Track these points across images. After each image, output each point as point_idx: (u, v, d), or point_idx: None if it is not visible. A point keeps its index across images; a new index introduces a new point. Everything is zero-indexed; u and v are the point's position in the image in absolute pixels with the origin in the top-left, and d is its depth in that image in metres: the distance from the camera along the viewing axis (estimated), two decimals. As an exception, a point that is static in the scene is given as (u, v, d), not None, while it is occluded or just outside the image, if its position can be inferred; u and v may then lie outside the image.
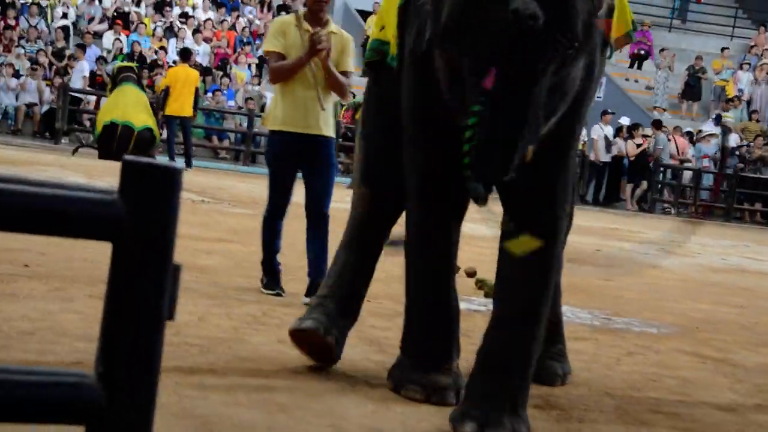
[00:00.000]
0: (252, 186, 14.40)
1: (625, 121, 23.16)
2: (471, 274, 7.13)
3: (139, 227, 1.95)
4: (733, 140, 24.20)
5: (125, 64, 18.81)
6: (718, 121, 24.64)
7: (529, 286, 4.15)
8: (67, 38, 22.67)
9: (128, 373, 1.95)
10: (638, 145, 22.51)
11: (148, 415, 1.96)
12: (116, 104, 17.06)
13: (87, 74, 21.20)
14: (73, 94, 20.67)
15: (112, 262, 1.97)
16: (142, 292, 1.96)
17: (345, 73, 6.37)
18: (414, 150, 4.44)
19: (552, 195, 4.20)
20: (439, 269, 4.53)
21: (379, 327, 5.79)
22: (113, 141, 16.73)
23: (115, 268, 1.97)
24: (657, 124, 23.24)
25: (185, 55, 18.75)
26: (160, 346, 1.98)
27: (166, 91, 17.73)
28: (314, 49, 6.08)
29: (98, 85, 20.99)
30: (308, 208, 6.39)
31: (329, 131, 6.42)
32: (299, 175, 6.55)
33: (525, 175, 3.83)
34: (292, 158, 6.41)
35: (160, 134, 17.77)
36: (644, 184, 22.81)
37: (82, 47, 21.59)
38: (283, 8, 24.75)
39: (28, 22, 22.71)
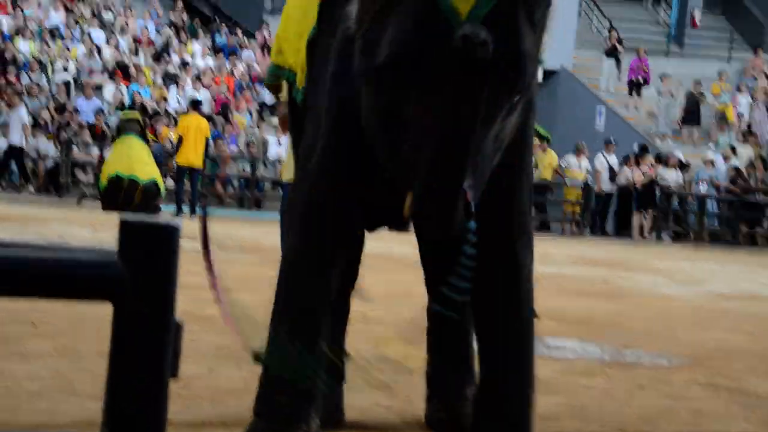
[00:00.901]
0: (257, 232, 14.40)
1: (633, 149, 23.13)
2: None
3: (139, 287, 1.95)
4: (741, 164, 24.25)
5: (130, 114, 18.82)
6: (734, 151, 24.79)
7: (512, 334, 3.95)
8: (68, 92, 22.77)
9: (134, 434, 1.94)
10: (645, 174, 22.43)
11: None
12: (121, 157, 17.11)
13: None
14: (76, 146, 20.72)
15: (114, 322, 1.97)
16: (144, 352, 1.96)
17: None
18: (317, 174, 3.99)
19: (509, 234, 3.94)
20: (308, 312, 4.06)
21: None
22: (119, 194, 16.79)
23: (117, 329, 1.98)
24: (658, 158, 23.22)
25: (196, 104, 18.79)
26: (165, 405, 1.98)
27: (180, 141, 17.77)
28: None
29: (98, 136, 20.99)
30: None
31: None
32: None
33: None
34: None
35: (165, 184, 17.81)
36: (651, 213, 22.77)
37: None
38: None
39: (30, 77, 22.80)
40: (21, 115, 19.79)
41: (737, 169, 23.48)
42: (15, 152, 19.57)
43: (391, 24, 3.32)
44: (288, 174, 6.17)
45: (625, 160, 22.97)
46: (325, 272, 3.99)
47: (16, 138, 19.51)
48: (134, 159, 17.15)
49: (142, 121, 18.76)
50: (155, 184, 17.19)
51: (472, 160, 3.27)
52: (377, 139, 3.62)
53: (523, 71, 3.31)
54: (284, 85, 4.50)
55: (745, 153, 24.83)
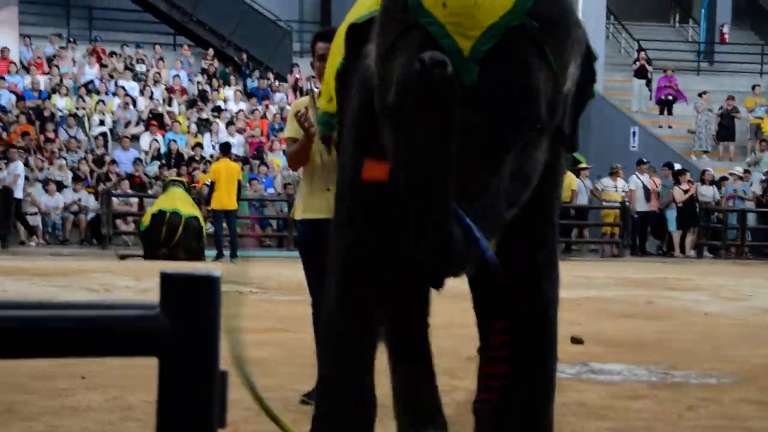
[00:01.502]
0: (297, 272, 14.36)
1: (675, 166, 23.05)
2: (577, 340, 7.08)
3: (182, 339, 1.96)
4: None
5: (175, 177, 19.26)
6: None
7: (534, 353, 3.88)
8: (105, 145, 22.96)
9: (186, 488, 1.95)
10: (685, 191, 22.28)
11: None
12: (165, 199, 17.89)
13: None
14: (115, 197, 20.87)
15: (160, 375, 1.98)
16: (191, 404, 1.97)
17: None
18: (348, 225, 4.01)
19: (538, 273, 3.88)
20: (354, 359, 4.00)
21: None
22: (162, 227, 17.23)
23: (163, 382, 1.99)
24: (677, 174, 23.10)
25: (226, 149, 18.94)
26: (215, 456, 1.99)
27: (211, 187, 17.97)
28: (305, 130, 5.65)
29: (137, 186, 21.15)
30: None
31: None
32: None
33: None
34: (319, 246, 5.44)
35: (206, 227, 18.00)
36: (693, 230, 22.62)
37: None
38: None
39: (68, 133, 23.01)
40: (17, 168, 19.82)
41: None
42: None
43: (398, 64, 3.27)
44: (298, 213, 6.02)
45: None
46: (362, 331, 4.00)
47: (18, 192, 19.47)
48: (177, 199, 17.82)
49: (186, 184, 19.07)
50: (196, 219, 17.65)
51: (469, 195, 3.12)
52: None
53: (530, 105, 3.19)
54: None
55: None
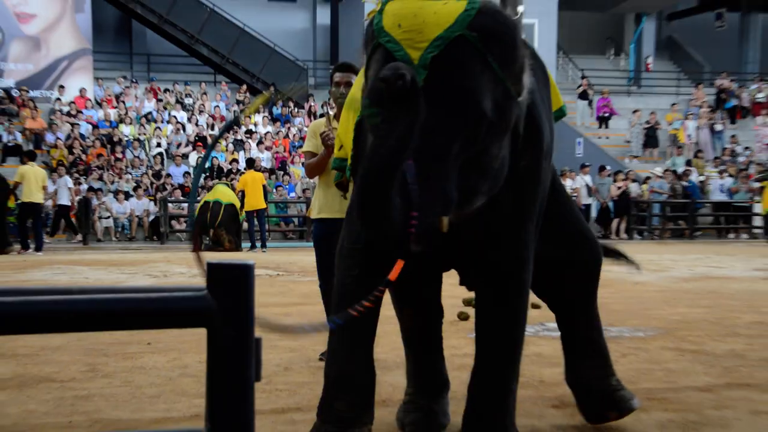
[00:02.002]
0: (314, 259, 14.45)
1: (608, 169, 23.12)
2: (536, 306, 7.11)
3: (225, 314, 2.02)
4: (694, 176, 24.32)
5: (223, 182, 19.33)
6: (689, 163, 24.80)
7: (502, 330, 3.70)
8: (162, 162, 23.00)
9: (230, 426, 2.01)
10: (619, 188, 22.44)
11: (248, 455, 2.02)
12: (208, 195, 18.29)
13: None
14: (170, 202, 20.92)
15: (208, 342, 2.04)
16: (233, 364, 2.03)
17: None
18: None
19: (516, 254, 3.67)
20: (362, 325, 3.69)
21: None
22: (207, 214, 17.52)
23: (211, 347, 2.04)
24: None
25: (250, 163, 19.13)
26: (252, 401, 2.04)
27: (242, 194, 18.06)
28: (326, 145, 5.58)
29: (187, 194, 21.23)
30: None
31: None
32: None
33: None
34: (332, 241, 5.47)
35: (242, 216, 18.26)
36: (625, 218, 22.71)
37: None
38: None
39: (132, 153, 23.05)
40: (66, 181, 19.58)
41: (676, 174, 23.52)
42: (63, 210, 19.19)
43: (370, 76, 3.23)
44: (314, 212, 5.92)
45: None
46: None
47: (65, 199, 19.23)
48: (218, 192, 18.09)
49: (229, 183, 19.20)
50: (233, 206, 17.81)
51: (423, 177, 2.91)
52: None
53: (470, 104, 3.04)
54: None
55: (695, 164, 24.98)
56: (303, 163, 5.86)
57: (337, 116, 5.78)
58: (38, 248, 16.98)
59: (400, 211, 2.87)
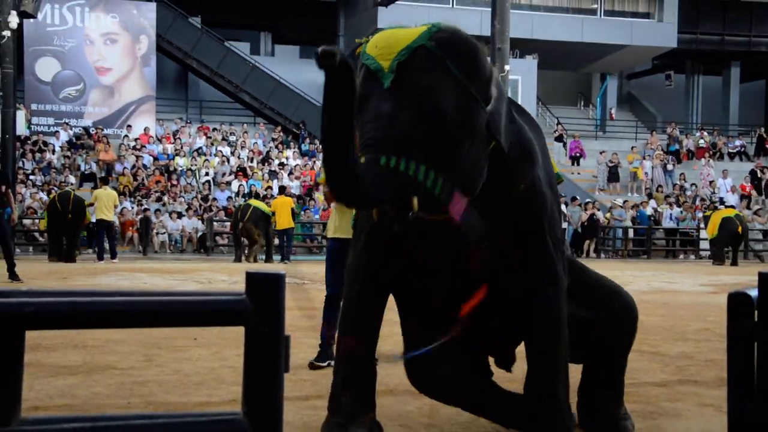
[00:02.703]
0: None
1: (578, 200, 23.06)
2: None
3: (260, 315, 1.98)
4: (650, 208, 24.24)
5: (255, 202, 19.10)
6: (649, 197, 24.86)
7: (545, 342, 3.39)
8: (209, 188, 23.01)
9: (263, 410, 1.96)
10: (589, 214, 22.29)
11: (277, 435, 1.97)
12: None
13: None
14: (215, 221, 20.92)
15: (246, 338, 2.01)
16: (266, 357, 1.99)
17: None
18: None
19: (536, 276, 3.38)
20: (364, 333, 3.54)
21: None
22: (237, 213, 17.94)
23: (248, 343, 2.01)
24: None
25: (282, 190, 19.28)
26: (282, 390, 2.00)
27: (273, 214, 18.10)
28: None
29: (230, 215, 21.18)
30: None
31: None
32: None
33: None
34: (342, 258, 5.16)
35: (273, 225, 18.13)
36: (594, 240, 22.60)
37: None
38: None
39: (185, 180, 23.10)
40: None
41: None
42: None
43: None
44: (330, 232, 5.70)
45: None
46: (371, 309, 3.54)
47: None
48: (254, 203, 18.31)
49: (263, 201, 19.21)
50: (262, 209, 17.82)
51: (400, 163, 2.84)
52: None
53: (429, 100, 2.92)
54: None
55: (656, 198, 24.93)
56: (324, 191, 5.70)
57: None
58: (113, 256, 17.06)
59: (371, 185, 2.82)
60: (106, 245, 17.14)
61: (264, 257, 18.14)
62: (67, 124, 24.89)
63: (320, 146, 5.14)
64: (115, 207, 17.63)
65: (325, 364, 5.53)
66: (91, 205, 17.22)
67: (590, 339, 3.73)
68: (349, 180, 2.80)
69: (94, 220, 17.58)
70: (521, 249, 3.34)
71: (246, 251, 18.06)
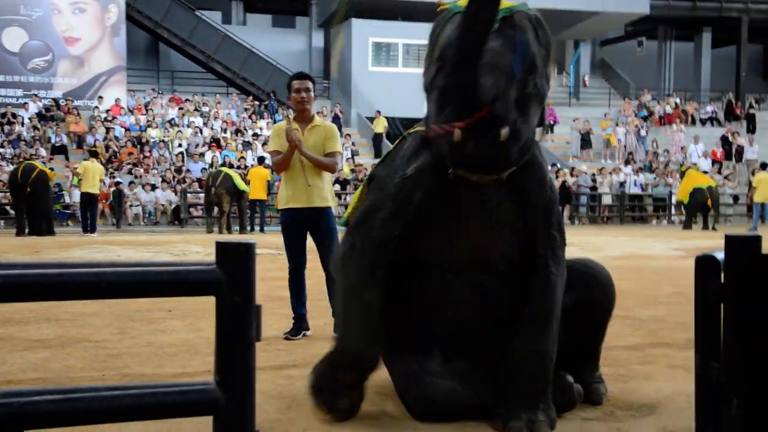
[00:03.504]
0: (311, 241, 14.41)
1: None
2: None
3: (231, 285, 1.98)
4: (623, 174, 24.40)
5: (229, 171, 18.97)
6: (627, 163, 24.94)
7: (544, 319, 3.38)
8: (183, 160, 22.82)
9: (234, 379, 1.97)
10: (562, 181, 22.33)
11: (250, 404, 1.98)
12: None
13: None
14: (189, 193, 20.80)
15: (217, 308, 2.01)
16: (237, 326, 1.99)
17: (332, 154, 5.38)
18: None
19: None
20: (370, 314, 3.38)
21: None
22: (209, 178, 17.95)
23: (219, 312, 2.01)
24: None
25: (260, 160, 19.12)
26: (254, 359, 2.01)
27: (248, 183, 18.11)
28: (289, 142, 5.23)
29: (203, 187, 21.05)
30: (323, 266, 5.42)
31: (324, 203, 5.39)
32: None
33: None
34: (298, 228, 5.45)
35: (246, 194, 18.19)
36: (568, 206, 22.71)
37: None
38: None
39: (158, 152, 22.90)
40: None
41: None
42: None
43: (442, 38, 3.27)
44: (282, 204, 5.48)
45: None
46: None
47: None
48: (227, 171, 18.41)
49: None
50: (233, 178, 17.84)
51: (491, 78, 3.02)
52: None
53: (528, 51, 3.17)
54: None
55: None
56: (273, 161, 5.45)
57: (297, 119, 5.47)
58: (92, 230, 16.95)
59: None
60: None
61: (238, 228, 18.10)
62: (36, 95, 24.55)
63: (292, 137, 5.16)
64: (101, 181, 17.53)
65: (300, 336, 5.51)
66: (79, 177, 17.21)
67: (571, 322, 3.63)
68: (474, 84, 2.97)
69: (78, 193, 17.43)
70: (536, 232, 3.41)
71: (217, 223, 17.95)
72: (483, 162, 3.19)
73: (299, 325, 5.57)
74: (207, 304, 2.01)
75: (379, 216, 3.34)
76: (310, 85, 5.48)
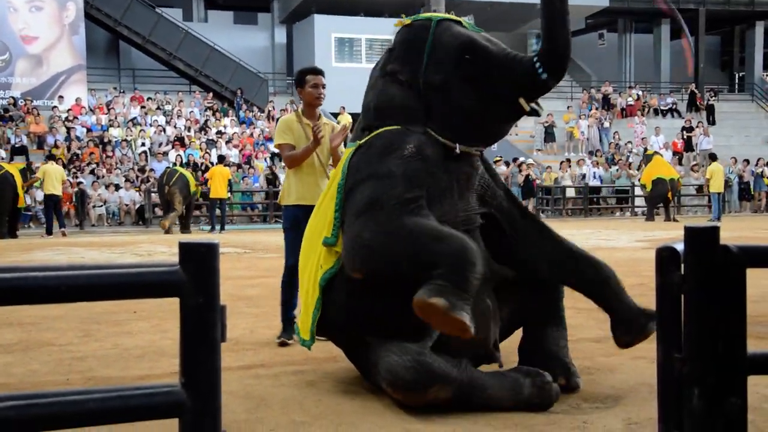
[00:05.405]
0: (277, 238, 14.35)
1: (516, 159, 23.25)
2: None
3: (194, 285, 1.97)
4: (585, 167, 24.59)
5: (184, 170, 18.84)
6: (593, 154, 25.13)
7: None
8: (146, 159, 22.60)
9: (201, 380, 1.96)
10: (526, 176, 22.43)
11: (216, 406, 1.97)
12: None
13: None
14: (153, 193, 20.60)
15: (181, 309, 2.00)
16: (202, 327, 1.98)
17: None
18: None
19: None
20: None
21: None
22: (164, 176, 17.89)
23: (183, 313, 2.00)
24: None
25: (221, 159, 19.15)
26: (219, 360, 2.00)
27: (206, 182, 18.34)
28: (317, 138, 5.09)
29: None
30: None
31: None
32: None
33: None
34: (301, 224, 4.88)
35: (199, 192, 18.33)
36: (532, 200, 22.83)
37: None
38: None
39: (121, 152, 22.66)
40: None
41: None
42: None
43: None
44: (291, 199, 5.26)
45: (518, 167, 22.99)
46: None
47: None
48: (182, 171, 18.08)
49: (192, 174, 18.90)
50: (187, 179, 17.72)
51: None
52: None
53: None
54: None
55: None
56: (274, 155, 5.30)
57: (305, 114, 5.35)
58: (62, 227, 17.03)
59: None
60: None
61: (179, 227, 17.90)
62: (-7, 95, 24.19)
63: (318, 133, 5.08)
64: (63, 183, 17.51)
65: (290, 340, 5.17)
66: (38, 180, 17.13)
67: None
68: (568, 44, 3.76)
69: (40, 196, 17.36)
70: (495, 191, 4.05)
71: (173, 221, 17.72)
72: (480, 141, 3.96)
73: (292, 327, 5.15)
74: (173, 304, 2.00)
75: (395, 193, 3.57)
76: (324, 80, 5.37)
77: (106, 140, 22.90)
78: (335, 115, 25.54)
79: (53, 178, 16.76)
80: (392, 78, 3.84)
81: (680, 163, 25.66)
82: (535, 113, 3.84)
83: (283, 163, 5.35)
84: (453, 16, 4.05)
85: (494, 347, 3.88)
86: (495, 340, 3.90)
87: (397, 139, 3.73)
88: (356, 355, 3.91)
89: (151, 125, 24.24)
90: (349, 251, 3.60)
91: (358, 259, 3.55)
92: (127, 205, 20.67)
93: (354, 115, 23.24)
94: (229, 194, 18.99)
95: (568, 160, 24.51)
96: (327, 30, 27.02)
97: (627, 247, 12.77)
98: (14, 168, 17.41)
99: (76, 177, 20.45)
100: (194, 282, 1.95)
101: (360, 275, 3.57)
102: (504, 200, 4.07)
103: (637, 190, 23.12)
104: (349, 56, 27.15)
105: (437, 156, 3.72)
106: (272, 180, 21.42)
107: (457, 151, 3.75)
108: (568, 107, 28.70)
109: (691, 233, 2.36)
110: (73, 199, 19.61)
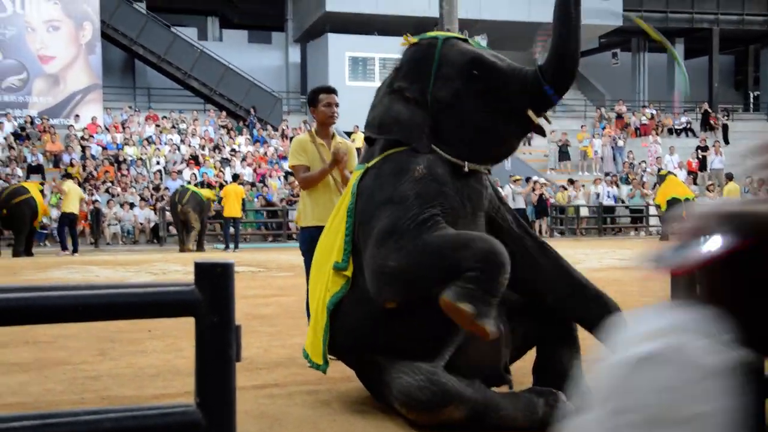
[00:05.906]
0: (290, 256, 14.37)
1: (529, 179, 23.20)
2: None
3: (210, 305, 1.97)
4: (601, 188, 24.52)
5: (194, 187, 19.03)
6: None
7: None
8: (161, 177, 22.72)
9: (216, 400, 1.96)
10: (538, 195, 22.38)
11: (231, 425, 1.97)
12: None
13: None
14: (167, 211, 20.68)
15: (196, 329, 1.99)
16: (217, 347, 1.98)
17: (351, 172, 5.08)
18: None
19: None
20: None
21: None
22: (175, 195, 18.12)
23: (198, 333, 2.00)
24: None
25: (235, 177, 19.21)
26: (234, 379, 1.99)
27: (220, 200, 18.43)
28: (337, 160, 5.07)
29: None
30: None
31: None
32: None
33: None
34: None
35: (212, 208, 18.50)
36: (546, 219, 22.74)
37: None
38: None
39: (135, 170, 22.79)
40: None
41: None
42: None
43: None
44: (307, 221, 5.21)
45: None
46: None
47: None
48: (192, 188, 18.43)
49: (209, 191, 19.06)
50: (200, 195, 18.02)
51: None
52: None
53: None
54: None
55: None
56: (288, 174, 5.28)
57: (319, 134, 5.32)
58: (74, 251, 16.93)
59: None
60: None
61: (196, 245, 17.98)
62: (9, 114, 24.37)
63: (340, 156, 5.12)
64: (81, 202, 17.75)
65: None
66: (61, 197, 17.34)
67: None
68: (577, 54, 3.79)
69: (55, 214, 17.53)
70: (500, 210, 4.05)
71: (189, 240, 17.85)
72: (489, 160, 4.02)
73: None
74: (188, 323, 2.00)
75: (411, 215, 3.59)
76: (337, 99, 5.36)
77: (121, 159, 23.05)
78: (349, 134, 25.61)
79: (73, 196, 16.98)
80: (399, 95, 3.87)
81: (695, 183, 25.53)
82: (540, 130, 3.86)
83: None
84: (459, 35, 4.09)
85: (505, 370, 3.87)
86: (505, 362, 3.88)
87: (406, 161, 3.75)
88: (367, 376, 3.91)
89: (165, 144, 24.39)
90: (376, 284, 3.58)
91: (388, 290, 3.55)
92: (141, 223, 20.75)
93: (368, 134, 22.86)
94: (242, 213, 19.04)
95: (572, 181, 24.37)
96: (341, 49, 27.16)
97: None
98: (35, 187, 17.61)
99: (92, 195, 20.58)
100: (210, 302, 1.95)
101: (394, 305, 3.55)
102: (514, 224, 4.03)
103: (652, 210, 23.00)
104: (362, 75, 27.26)
105: (447, 175, 3.76)
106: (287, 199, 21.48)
107: (466, 169, 3.78)
108: (582, 126, 28.66)
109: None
110: (88, 218, 19.72)
